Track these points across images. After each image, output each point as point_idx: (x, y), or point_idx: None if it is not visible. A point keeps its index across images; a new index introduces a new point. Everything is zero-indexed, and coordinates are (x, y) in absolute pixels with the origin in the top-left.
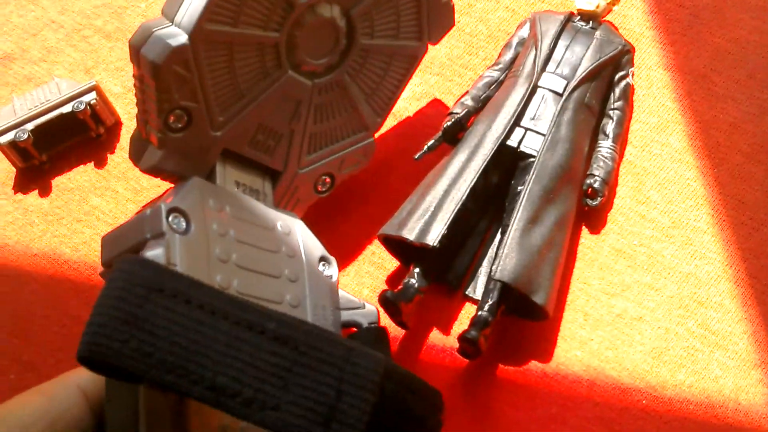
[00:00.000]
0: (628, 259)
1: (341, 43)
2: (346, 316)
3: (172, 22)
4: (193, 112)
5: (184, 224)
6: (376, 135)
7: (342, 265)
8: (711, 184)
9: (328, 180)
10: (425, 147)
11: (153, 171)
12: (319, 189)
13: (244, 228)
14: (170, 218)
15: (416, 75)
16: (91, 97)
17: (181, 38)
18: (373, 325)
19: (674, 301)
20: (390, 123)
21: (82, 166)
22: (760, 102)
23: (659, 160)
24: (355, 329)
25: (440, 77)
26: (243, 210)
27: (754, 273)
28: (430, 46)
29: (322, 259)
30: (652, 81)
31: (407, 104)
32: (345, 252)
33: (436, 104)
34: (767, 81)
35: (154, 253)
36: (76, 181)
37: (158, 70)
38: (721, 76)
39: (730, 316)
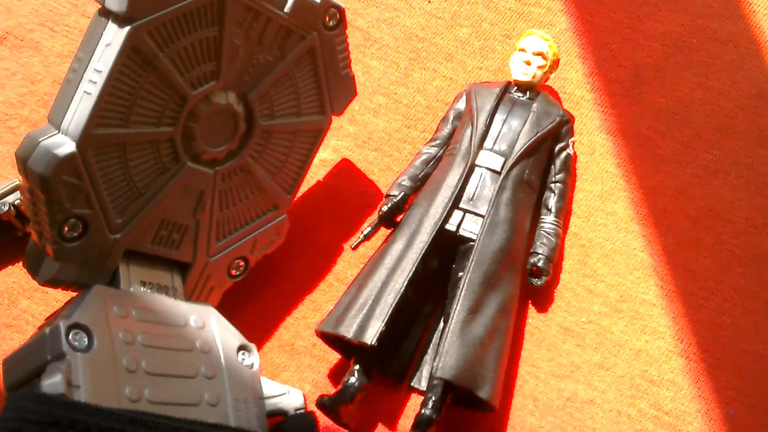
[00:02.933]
0: (577, 338)
1: (241, 127)
2: (271, 404)
3: (59, 130)
4: (88, 219)
5: (86, 340)
6: (317, 218)
7: (280, 360)
8: (658, 253)
9: (241, 263)
10: (361, 235)
11: (52, 283)
12: (233, 273)
13: (152, 331)
14: (71, 336)
15: (354, 151)
16: (15, 197)
17: (69, 147)
18: (299, 412)
19: (625, 380)
20: (325, 204)
21: (9, 267)
22: (706, 163)
23: (605, 230)
24: (282, 417)
25: (378, 153)
26: (150, 311)
27: (705, 346)
28: (342, 118)
29: (241, 348)
30: (594, 147)
31: (343, 182)
32: (282, 343)
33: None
34: (712, 140)
35: (51, 381)
36: (4, 283)
37: (47, 183)
38: (665, 138)
39: (682, 394)
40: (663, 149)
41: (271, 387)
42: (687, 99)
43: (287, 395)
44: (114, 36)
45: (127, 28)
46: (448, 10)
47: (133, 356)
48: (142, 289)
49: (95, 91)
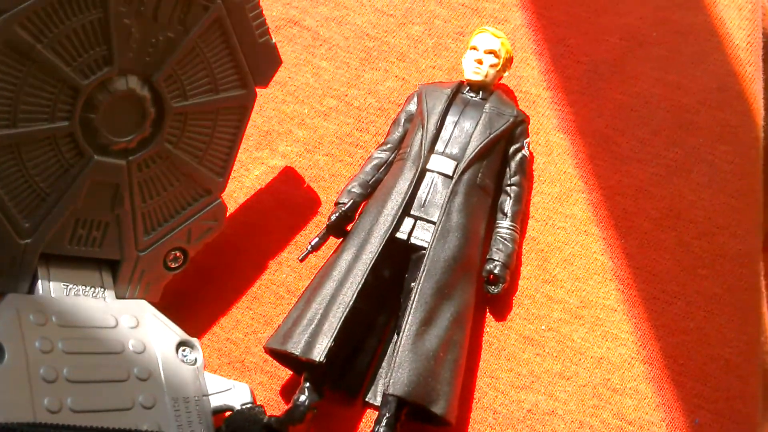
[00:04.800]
0: (537, 347)
1: (149, 112)
2: (217, 400)
3: None
4: None
5: None
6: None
7: (230, 377)
8: (619, 256)
9: (179, 254)
10: (309, 246)
11: None
12: (171, 266)
13: (75, 336)
14: None
15: (303, 156)
16: None
17: None
18: (246, 406)
19: (587, 390)
20: (273, 211)
21: None
22: (667, 162)
23: (563, 233)
24: (230, 412)
25: (329, 157)
26: (73, 315)
27: (668, 352)
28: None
29: (182, 344)
30: (551, 147)
31: (291, 188)
32: (232, 360)
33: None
34: (673, 138)
35: None
36: None
37: None
38: (624, 136)
39: (646, 403)
40: (622, 148)
41: (215, 383)
42: (647, 95)
43: (233, 390)
44: None
45: None
46: (399, 8)
47: (51, 365)
48: (65, 292)
49: None
